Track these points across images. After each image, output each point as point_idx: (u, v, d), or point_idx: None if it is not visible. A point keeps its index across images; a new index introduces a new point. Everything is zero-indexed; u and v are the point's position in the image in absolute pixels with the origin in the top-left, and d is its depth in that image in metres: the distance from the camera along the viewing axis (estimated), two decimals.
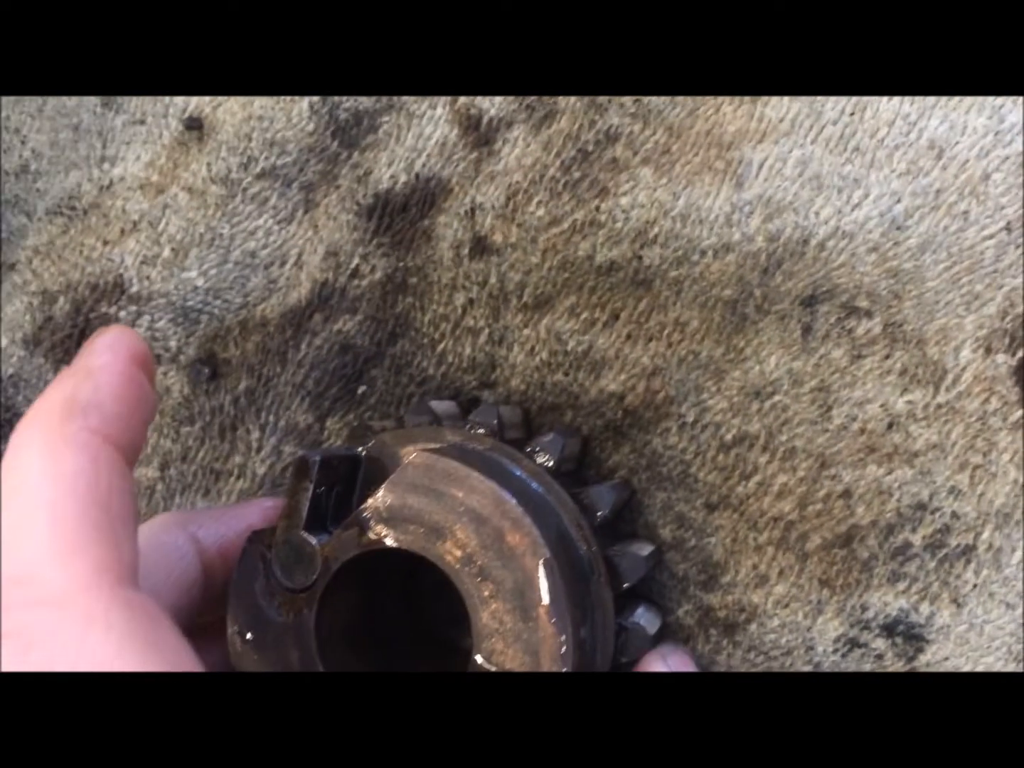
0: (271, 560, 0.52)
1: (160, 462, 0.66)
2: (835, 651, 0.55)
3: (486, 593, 0.51)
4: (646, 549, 0.56)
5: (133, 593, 0.40)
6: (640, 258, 0.56)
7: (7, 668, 0.37)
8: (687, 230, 0.56)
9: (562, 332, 0.58)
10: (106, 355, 0.46)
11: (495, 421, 0.55)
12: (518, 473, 0.54)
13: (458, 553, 0.52)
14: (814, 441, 0.55)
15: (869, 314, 0.54)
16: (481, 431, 0.56)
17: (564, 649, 0.50)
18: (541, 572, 0.51)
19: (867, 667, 0.55)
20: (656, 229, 0.56)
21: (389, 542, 0.53)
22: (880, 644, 0.54)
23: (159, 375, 0.65)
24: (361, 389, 0.63)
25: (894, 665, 0.54)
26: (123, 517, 0.42)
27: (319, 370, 0.63)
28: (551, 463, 0.54)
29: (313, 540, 0.52)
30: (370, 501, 0.53)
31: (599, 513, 0.54)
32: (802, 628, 0.55)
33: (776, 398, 0.55)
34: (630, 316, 0.57)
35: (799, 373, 0.55)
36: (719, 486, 0.56)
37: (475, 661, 0.51)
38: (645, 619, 0.55)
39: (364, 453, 0.55)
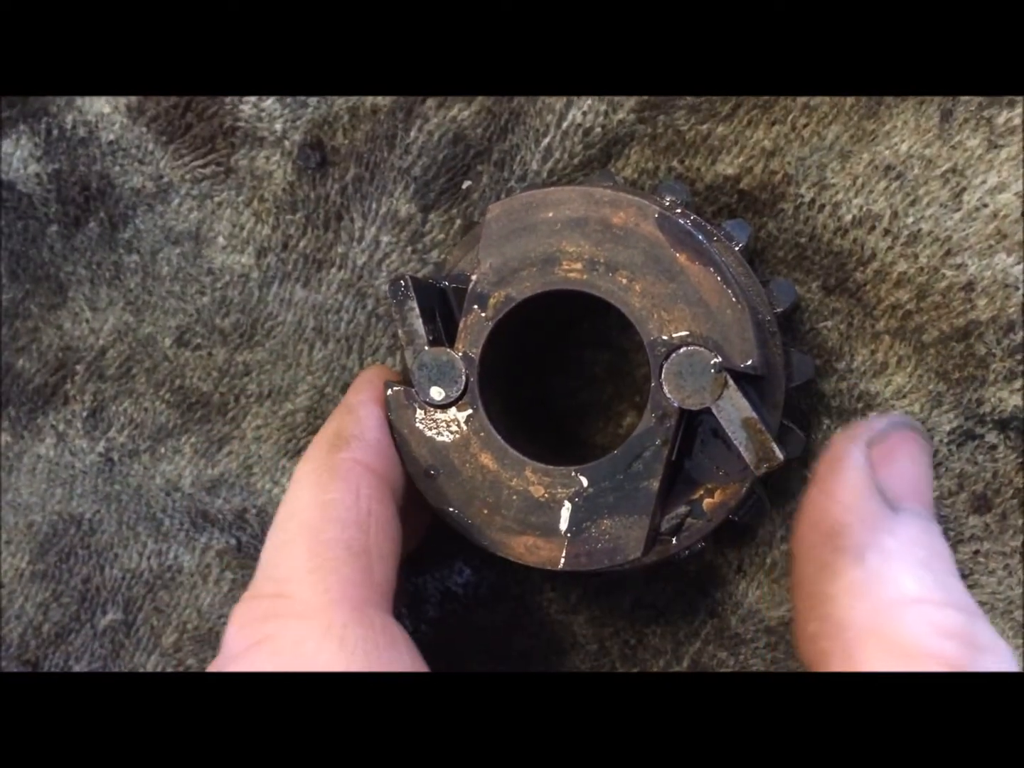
0: (416, 391, 0.52)
1: (256, 249, 0.65)
2: (950, 442, 0.54)
3: (624, 281, 0.50)
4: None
5: (376, 613, 0.44)
6: None
7: (259, 669, 0.43)
8: None
9: (679, 123, 0.57)
10: (366, 392, 0.52)
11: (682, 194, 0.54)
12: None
13: (579, 265, 0.50)
14: (941, 224, 0.53)
15: (1011, 104, 0.52)
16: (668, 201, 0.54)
17: (720, 279, 0.49)
18: (658, 231, 0.49)
19: (980, 459, 0.54)
20: None
21: (514, 294, 0.52)
22: (994, 437, 0.54)
23: (261, 159, 0.64)
24: (466, 184, 0.62)
25: (1007, 458, 0.53)
26: (380, 541, 0.46)
27: (428, 157, 0.62)
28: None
29: (445, 349, 0.52)
30: (475, 276, 0.53)
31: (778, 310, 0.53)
32: (919, 419, 0.54)
33: (906, 176, 0.54)
34: (754, 103, 0.56)
35: (933, 156, 0.53)
36: (835, 271, 0.55)
37: (649, 340, 0.49)
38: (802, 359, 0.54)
39: (449, 285, 0.54)
